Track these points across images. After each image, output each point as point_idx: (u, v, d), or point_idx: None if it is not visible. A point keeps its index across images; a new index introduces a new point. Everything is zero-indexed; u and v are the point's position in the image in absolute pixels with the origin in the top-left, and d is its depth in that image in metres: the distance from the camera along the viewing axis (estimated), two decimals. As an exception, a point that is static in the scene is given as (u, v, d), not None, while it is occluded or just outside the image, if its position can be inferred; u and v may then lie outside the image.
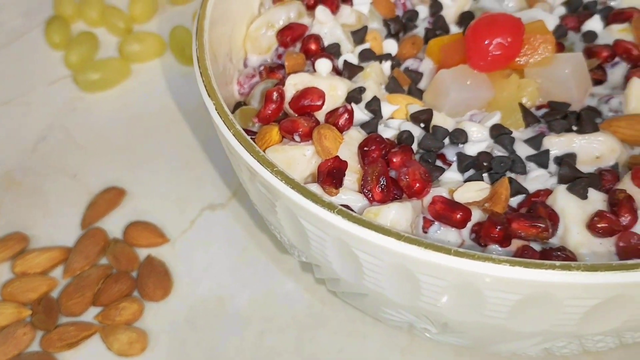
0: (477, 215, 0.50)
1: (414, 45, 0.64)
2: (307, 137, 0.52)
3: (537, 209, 0.49)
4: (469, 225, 0.49)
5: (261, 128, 0.55)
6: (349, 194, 0.50)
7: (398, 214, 0.47)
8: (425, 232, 0.50)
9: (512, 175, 0.52)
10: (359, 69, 0.60)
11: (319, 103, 0.55)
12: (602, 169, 0.52)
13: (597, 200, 0.49)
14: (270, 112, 0.56)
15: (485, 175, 0.52)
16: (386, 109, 0.57)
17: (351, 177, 0.52)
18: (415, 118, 0.55)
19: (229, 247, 0.67)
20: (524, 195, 0.51)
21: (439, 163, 0.54)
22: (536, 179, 0.52)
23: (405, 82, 0.61)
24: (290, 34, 0.62)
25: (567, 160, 0.51)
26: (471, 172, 0.53)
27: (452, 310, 0.44)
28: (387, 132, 0.55)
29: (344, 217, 0.41)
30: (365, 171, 0.50)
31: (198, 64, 0.52)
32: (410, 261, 0.40)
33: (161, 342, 0.61)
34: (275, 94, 0.56)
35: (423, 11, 0.68)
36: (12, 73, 0.86)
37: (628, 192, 0.48)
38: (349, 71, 0.59)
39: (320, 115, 0.56)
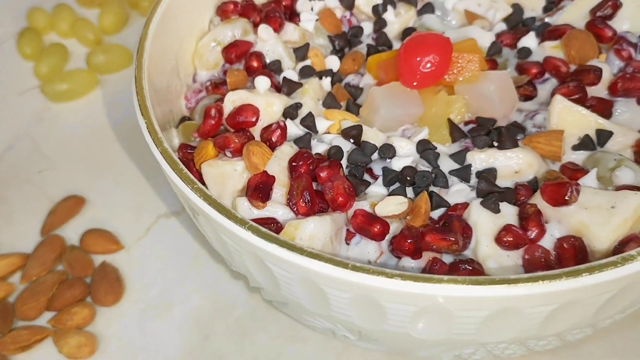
0: (397, 228, 0.52)
1: (355, 61, 0.66)
2: (238, 153, 0.55)
3: (452, 223, 0.51)
4: (389, 237, 0.52)
5: (199, 143, 0.58)
6: (277, 207, 0.53)
7: (316, 227, 0.49)
8: (348, 244, 0.53)
9: (435, 189, 0.55)
10: (298, 85, 0.62)
11: (253, 119, 0.58)
12: (518, 183, 0.54)
13: (509, 214, 0.51)
14: (209, 127, 0.59)
15: (409, 189, 0.55)
16: (322, 124, 0.60)
17: (281, 191, 0.54)
18: (345, 133, 0.58)
19: (181, 254, 0.70)
20: (445, 208, 0.54)
21: (367, 177, 0.56)
22: (457, 192, 0.54)
23: (344, 98, 0.63)
24: (235, 51, 0.65)
25: (484, 175, 0.54)
26: (397, 185, 0.55)
27: (360, 320, 0.46)
28: (320, 147, 0.58)
29: (254, 232, 0.44)
30: (291, 185, 0.53)
31: (135, 84, 0.54)
32: (314, 275, 0.43)
33: (111, 346, 0.64)
34: (213, 111, 0.58)
35: (368, 27, 0.70)
36: (-16, 84, 0.90)
37: (538, 206, 0.51)
38: (288, 87, 0.62)
39: (257, 130, 0.58)
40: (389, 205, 0.52)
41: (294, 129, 0.59)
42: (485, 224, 0.50)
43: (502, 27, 0.69)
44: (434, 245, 0.49)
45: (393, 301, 0.42)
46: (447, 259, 0.51)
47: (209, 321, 0.65)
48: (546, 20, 0.69)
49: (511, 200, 0.53)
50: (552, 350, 0.59)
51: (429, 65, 0.59)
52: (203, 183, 0.56)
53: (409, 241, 0.49)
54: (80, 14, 0.96)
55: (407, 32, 0.69)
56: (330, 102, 0.62)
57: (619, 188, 0.52)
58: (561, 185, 0.50)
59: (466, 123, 0.60)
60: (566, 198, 0.49)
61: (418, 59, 0.59)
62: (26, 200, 0.76)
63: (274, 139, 0.57)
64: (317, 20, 0.70)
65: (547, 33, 0.66)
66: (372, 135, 0.58)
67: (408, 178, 0.55)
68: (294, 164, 0.54)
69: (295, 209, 0.52)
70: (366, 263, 0.52)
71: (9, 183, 0.78)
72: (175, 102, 0.64)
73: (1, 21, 0.97)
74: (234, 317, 0.65)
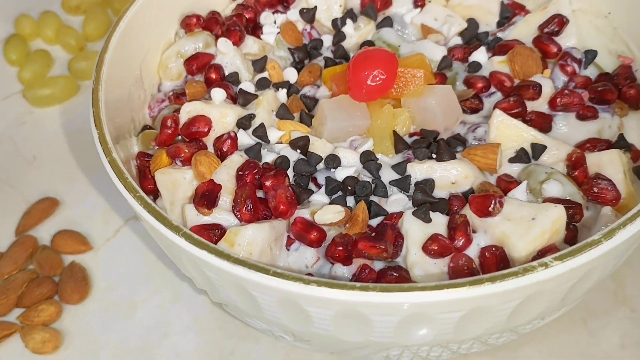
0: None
1: (311, 73, 0.69)
2: (187, 162, 0.58)
3: (385, 231, 0.54)
4: (326, 244, 0.55)
5: (156, 151, 0.61)
6: (224, 214, 0.56)
7: (254, 233, 0.53)
8: (288, 250, 0.56)
9: (375, 198, 0.58)
10: (254, 96, 0.65)
11: (206, 130, 0.61)
12: (452, 194, 0.57)
13: (441, 223, 0.54)
14: (165, 137, 0.62)
15: (350, 198, 0.58)
16: (274, 135, 0.63)
17: (229, 199, 0.57)
18: (293, 144, 0.61)
19: (146, 255, 0.73)
20: (383, 216, 0.57)
21: (312, 186, 0.59)
22: (395, 202, 0.57)
23: (298, 109, 0.66)
24: (196, 63, 0.68)
25: (420, 186, 0.57)
26: (339, 194, 0.58)
27: (290, 322, 0.49)
28: (270, 156, 0.61)
29: (187, 239, 0.47)
30: (236, 194, 0.56)
31: (92, 96, 0.58)
32: (241, 280, 0.46)
33: (75, 342, 0.67)
34: (169, 121, 0.62)
35: (328, 40, 0.73)
36: (-29, 88, 0.93)
37: (469, 217, 0.54)
38: (243, 99, 0.65)
39: (210, 140, 0.62)
40: (327, 213, 0.55)
41: (247, 139, 0.62)
42: (415, 232, 0.53)
43: (458, 40, 0.72)
44: (365, 252, 0.52)
45: (314, 305, 0.45)
46: (380, 265, 0.53)
47: (168, 320, 0.68)
48: (498, 35, 0.71)
49: (444, 211, 0.55)
50: (490, 353, 0.62)
51: (375, 79, 0.61)
52: (157, 190, 0.59)
53: (339, 248, 0.52)
54: (65, 21, 1.00)
55: (365, 45, 0.72)
56: (283, 113, 0.65)
57: (546, 200, 0.55)
58: (486, 198, 0.52)
59: (411, 135, 0.63)
60: (490, 209, 0.52)
61: (365, 73, 0.61)
62: (3, 201, 0.79)
63: (224, 149, 0.60)
64: (278, 33, 0.73)
65: (497, 48, 0.69)
66: (320, 146, 0.61)
67: (349, 187, 0.58)
68: (240, 173, 0.58)
69: (239, 216, 0.55)
70: (304, 268, 0.55)
71: (-13, 184, 0.82)
72: (138, 111, 0.67)
73: (-11, 28, 1.01)
74: (192, 317, 0.68)
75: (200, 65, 0.68)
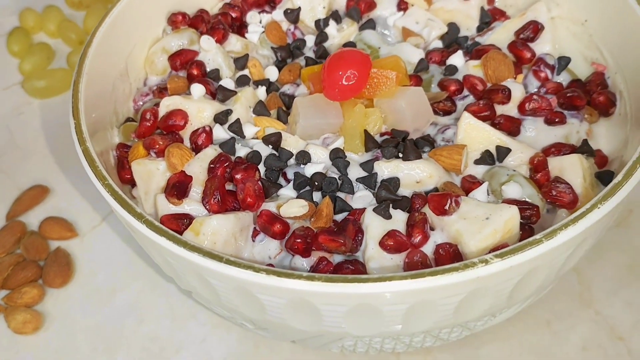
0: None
1: (291, 72, 0.71)
2: (162, 153, 0.60)
3: (347, 226, 0.56)
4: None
5: (135, 143, 0.64)
6: (194, 204, 0.59)
7: (219, 224, 0.55)
8: (254, 241, 0.58)
9: (342, 194, 0.59)
10: (232, 93, 0.67)
11: (182, 123, 0.63)
12: (415, 192, 0.58)
13: (401, 220, 0.56)
14: (144, 129, 0.64)
15: (317, 193, 0.60)
16: (250, 130, 0.65)
17: (200, 190, 0.60)
18: (265, 139, 0.63)
19: (129, 243, 0.76)
20: (347, 212, 0.58)
21: (282, 181, 0.61)
22: (361, 198, 0.59)
23: (275, 106, 0.68)
24: (180, 59, 0.70)
25: (384, 184, 0.58)
26: (306, 189, 0.60)
27: (246, 310, 0.51)
28: (243, 151, 0.63)
29: (148, 226, 0.49)
30: (205, 185, 0.58)
31: (72, 88, 0.60)
32: (199, 267, 0.48)
33: (55, 324, 0.70)
34: (148, 114, 0.64)
35: (311, 40, 0.75)
36: (-26, 78, 0.97)
37: (429, 215, 0.55)
38: (222, 95, 0.67)
39: (187, 133, 0.64)
40: (292, 207, 0.57)
41: (223, 133, 0.64)
42: (375, 228, 0.55)
43: (438, 44, 0.73)
44: (325, 245, 0.54)
45: (265, 293, 0.47)
46: (340, 259, 0.55)
47: (145, 307, 0.70)
48: (477, 39, 0.73)
49: (405, 208, 0.57)
50: (452, 350, 0.64)
51: (348, 79, 0.63)
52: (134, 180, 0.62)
53: (298, 240, 0.54)
54: (68, 16, 1.03)
55: (346, 46, 0.73)
56: (260, 109, 0.67)
57: (505, 201, 0.56)
58: (443, 196, 0.54)
59: (382, 134, 0.65)
60: (446, 208, 0.54)
61: (340, 73, 0.63)
62: (-4, 187, 0.83)
63: (199, 142, 0.62)
64: (263, 32, 0.75)
65: (474, 52, 0.70)
66: (293, 142, 0.63)
67: (316, 183, 0.59)
68: (212, 165, 0.60)
69: (207, 207, 0.58)
70: (267, 259, 0.57)
71: (-18, 171, 0.85)
72: (122, 104, 0.69)
73: (-5, 20, 1.05)
74: (168, 305, 0.70)
75: (184, 62, 0.70)
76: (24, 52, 0.98)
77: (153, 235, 0.49)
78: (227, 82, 0.69)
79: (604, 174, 0.59)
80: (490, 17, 0.74)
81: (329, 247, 0.54)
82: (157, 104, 0.66)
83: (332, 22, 0.75)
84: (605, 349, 0.64)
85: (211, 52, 0.70)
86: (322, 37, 0.75)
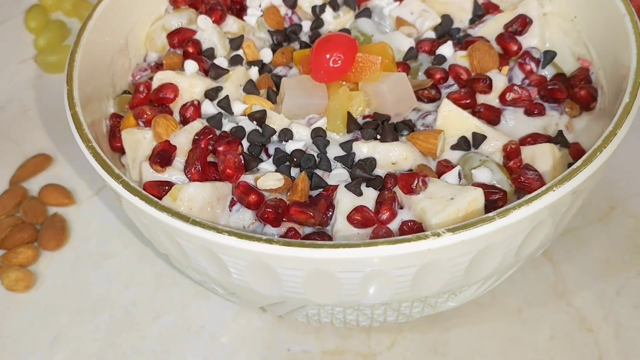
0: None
1: (284, 55, 0.73)
2: (149, 123, 0.63)
3: (320, 200, 0.58)
4: (264, 208, 0.59)
5: (127, 113, 0.67)
6: (177, 173, 0.61)
7: (195, 191, 0.57)
8: (230, 211, 0.60)
9: (319, 171, 0.61)
10: (225, 71, 0.70)
11: (172, 97, 0.66)
12: (389, 173, 0.60)
13: (371, 197, 0.58)
14: (137, 101, 0.67)
15: (296, 169, 0.62)
16: (238, 107, 0.67)
17: (184, 160, 0.62)
18: (251, 116, 0.65)
19: (121, 213, 0.79)
20: (322, 188, 0.60)
21: (264, 156, 0.64)
22: (337, 176, 0.61)
23: (266, 86, 0.70)
24: (177, 37, 0.73)
25: (360, 163, 0.60)
26: (285, 165, 0.62)
27: (213, 272, 0.54)
28: (229, 126, 0.65)
29: (124, 186, 0.52)
30: (188, 155, 0.61)
31: (69, 56, 0.63)
32: (167, 227, 0.51)
33: (46, 285, 0.73)
34: (142, 87, 0.67)
35: (307, 25, 0.77)
36: (-8, 51, 1.01)
37: (398, 194, 0.57)
38: (215, 72, 0.70)
39: (178, 106, 0.66)
40: (269, 180, 0.59)
41: (211, 109, 0.66)
42: (345, 204, 0.57)
43: (431, 35, 0.75)
44: (295, 217, 0.56)
45: (227, 254, 0.50)
46: (309, 231, 0.57)
47: (132, 273, 0.73)
48: (468, 31, 0.74)
49: (377, 187, 0.59)
50: (421, 331, 0.65)
51: (334, 62, 0.65)
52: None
53: (269, 210, 0.56)
54: (85, -5, 1.07)
55: (340, 32, 0.75)
56: (249, 88, 0.69)
57: (473, 185, 0.58)
58: (411, 176, 0.56)
59: (365, 117, 0.66)
60: (413, 187, 0.55)
61: (327, 56, 0.65)
62: (3, 154, 0.86)
63: (187, 115, 0.65)
64: (261, 16, 0.77)
65: (465, 43, 0.72)
66: (278, 120, 0.65)
67: (295, 159, 0.62)
68: (196, 137, 0.62)
69: (189, 176, 0.60)
70: (242, 228, 0.59)
71: (-8, 138, 0.89)
72: (121, 77, 0.72)
73: (17, -2, 1.09)
74: (154, 271, 0.73)
75: (181, 40, 0.73)
76: (40, 28, 1.02)
77: (128, 195, 0.52)
78: (221, 61, 0.71)
79: (577, 165, 0.60)
80: (483, 11, 0.75)
81: (299, 219, 0.56)
82: (152, 78, 0.68)
83: (328, 9, 0.77)
84: (573, 339, 0.65)
85: (207, 32, 0.73)
86: (317, 23, 0.77)
